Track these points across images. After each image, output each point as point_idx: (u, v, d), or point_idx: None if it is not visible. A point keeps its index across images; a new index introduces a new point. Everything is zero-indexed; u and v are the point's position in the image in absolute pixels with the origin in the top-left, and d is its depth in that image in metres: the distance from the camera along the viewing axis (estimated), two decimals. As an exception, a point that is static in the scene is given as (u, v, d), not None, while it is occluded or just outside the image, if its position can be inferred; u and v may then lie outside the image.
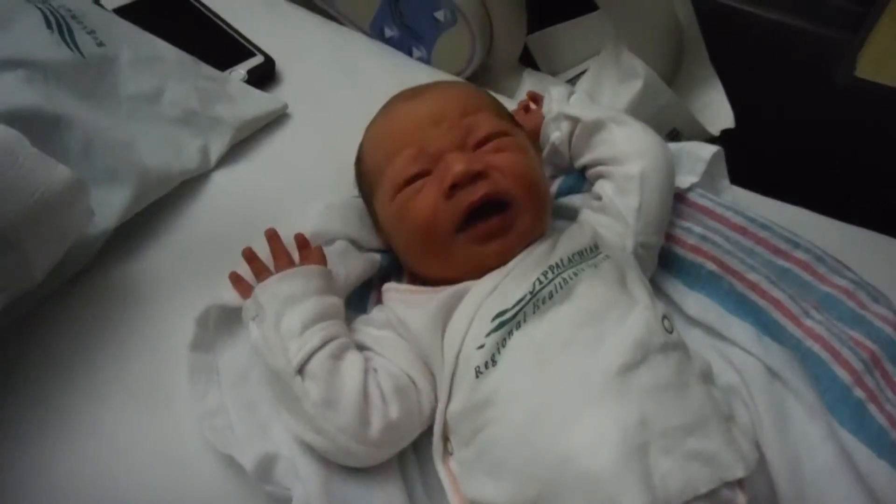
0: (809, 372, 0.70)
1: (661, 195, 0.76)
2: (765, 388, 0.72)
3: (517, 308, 0.64)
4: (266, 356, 0.66)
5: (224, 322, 0.74)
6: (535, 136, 0.84)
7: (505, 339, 0.63)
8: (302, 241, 0.75)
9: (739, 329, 0.76)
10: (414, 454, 0.69)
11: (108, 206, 0.79)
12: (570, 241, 0.72)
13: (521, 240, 0.70)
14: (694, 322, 0.78)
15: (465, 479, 0.64)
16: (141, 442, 0.70)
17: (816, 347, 0.70)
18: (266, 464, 0.65)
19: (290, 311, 0.66)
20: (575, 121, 0.80)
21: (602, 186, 0.78)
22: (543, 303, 0.65)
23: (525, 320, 0.64)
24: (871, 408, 0.68)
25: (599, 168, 0.79)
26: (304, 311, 0.66)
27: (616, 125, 0.78)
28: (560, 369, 0.61)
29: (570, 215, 0.82)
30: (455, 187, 0.68)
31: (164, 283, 0.82)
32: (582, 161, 0.81)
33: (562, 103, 0.84)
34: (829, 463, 0.66)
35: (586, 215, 0.78)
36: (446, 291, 0.68)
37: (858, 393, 0.69)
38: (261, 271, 0.72)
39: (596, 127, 0.79)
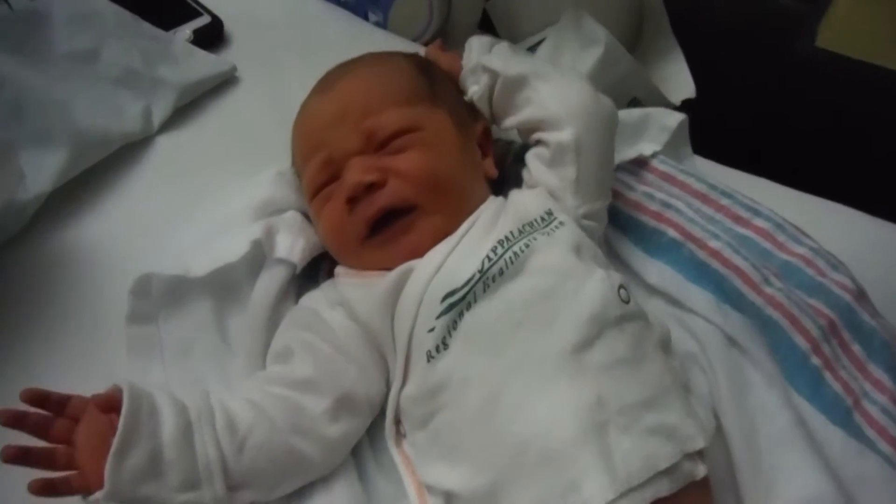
0: (768, 339, 0.70)
1: (600, 157, 0.71)
2: (723, 355, 0.71)
3: (467, 288, 0.61)
4: None
5: (168, 291, 0.71)
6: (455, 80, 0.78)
7: (455, 322, 0.61)
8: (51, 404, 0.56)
9: (699, 297, 0.75)
10: (366, 433, 0.67)
11: (42, 169, 0.75)
12: (521, 208, 0.68)
13: (433, 236, 0.66)
14: (654, 291, 0.77)
15: (419, 463, 0.62)
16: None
17: (776, 315, 0.70)
18: None
19: (162, 473, 0.55)
20: (494, 75, 0.73)
21: (533, 158, 0.72)
22: (494, 280, 0.62)
23: (475, 300, 0.61)
24: (827, 375, 0.69)
25: (531, 133, 0.72)
26: (176, 456, 0.56)
27: (541, 81, 0.71)
28: (513, 351, 0.59)
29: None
30: (353, 200, 0.67)
31: (104, 251, 0.78)
32: (508, 123, 0.74)
33: (481, 54, 0.76)
34: (785, 430, 0.66)
35: (523, 191, 0.73)
36: (392, 275, 0.65)
37: (815, 360, 0.69)
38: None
39: (518, 83, 0.72)
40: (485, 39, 0.78)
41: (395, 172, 0.67)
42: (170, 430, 0.56)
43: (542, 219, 0.67)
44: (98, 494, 0.53)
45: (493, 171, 0.75)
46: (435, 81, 0.75)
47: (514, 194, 0.71)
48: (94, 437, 0.55)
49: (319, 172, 0.70)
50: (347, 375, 0.64)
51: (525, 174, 0.73)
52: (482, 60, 0.74)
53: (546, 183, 0.70)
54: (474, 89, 0.75)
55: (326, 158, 0.70)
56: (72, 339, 0.72)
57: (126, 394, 0.55)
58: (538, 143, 0.71)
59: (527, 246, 0.63)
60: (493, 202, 0.70)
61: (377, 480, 0.65)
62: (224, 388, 0.67)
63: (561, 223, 0.67)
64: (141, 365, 0.68)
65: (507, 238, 0.64)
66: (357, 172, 0.67)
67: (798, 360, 0.68)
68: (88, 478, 0.54)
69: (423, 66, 0.77)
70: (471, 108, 0.77)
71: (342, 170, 0.69)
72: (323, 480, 0.63)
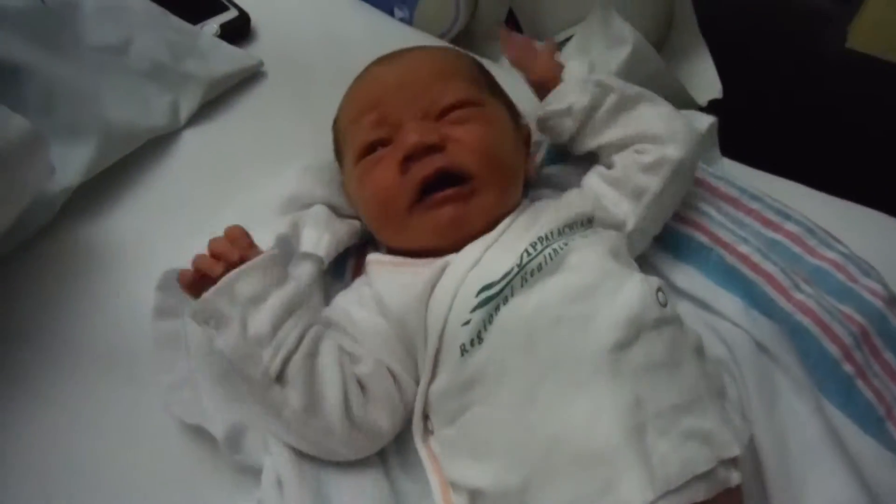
0: (798, 346, 0.69)
1: (681, 189, 0.74)
2: (752, 361, 0.70)
3: (504, 282, 0.61)
4: (236, 365, 0.61)
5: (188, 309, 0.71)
6: (540, 82, 0.79)
7: (491, 316, 0.60)
8: (235, 235, 0.64)
9: (727, 301, 0.74)
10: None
11: (70, 162, 0.76)
12: (561, 210, 0.69)
13: (481, 213, 0.67)
14: (682, 294, 0.76)
15: (446, 459, 0.62)
16: (104, 412, 0.68)
17: (806, 321, 0.69)
18: (236, 434, 0.64)
19: (255, 312, 0.60)
20: (607, 90, 0.73)
21: (630, 161, 0.72)
22: (532, 275, 0.61)
23: (513, 294, 0.61)
24: (859, 383, 0.68)
25: (634, 144, 0.73)
26: (272, 310, 0.60)
27: (654, 105, 0.74)
28: (550, 348, 0.59)
29: (557, 184, 0.80)
30: (409, 160, 0.66)
31: (130, 245, 0.78)
32: (600, 140, 0.74)
33: (582, 68, 0.77)
34: (815, 438, 0.65)
35: (593, 183, 0.74)
36: (429, 269, 0.64)
37: (847, 368, 0.68)
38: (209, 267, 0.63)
39: (633, 101, 0.73)
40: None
41: (454, 140, 0.67)
42: (287, 293, 0.62)
43: (582, 224, 0.68)
44: (206, 294, 0.60)
45: (533, 174, 0.77)
46: (491, 79, 0.77)
47: (561, 198, 0.72)
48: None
49: (371, 131, 0.70)
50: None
51: (608, 170, 0.74)
52: (599, 77, 0.74)
53: (629, 182, 0.71)
54: (581, 100, 0.73)
55: (381, 117, 0.70)
56: (97, 331, 0.72)
57: (278, 243, 0.67)
58: (638, 150, 0.72)
59: (566, 244, 0.64)
60: (531, 204, 0.71)
61: (400, 478, 0.65)
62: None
63: (597, 231, 0.68)
64: (167, 359, 0.68)
65: (546, 236, 0.64)
66: (417, 133, 0.67)
67: (829, 368, 0.68)
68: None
69: (479, 64, 0.79)
70: (518, 111, 0.78)
71: (395, 133, 0.69)
72: (351, 478, 0.62)
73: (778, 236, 0.77)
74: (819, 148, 1.19)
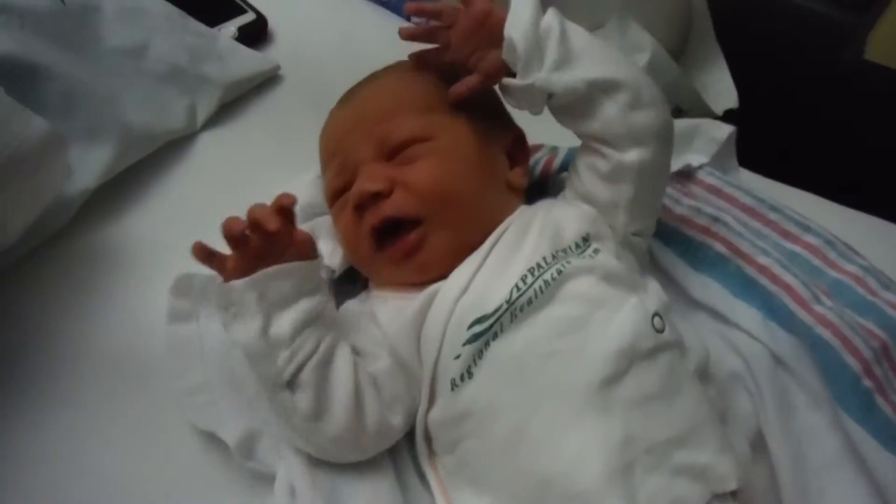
0: (818, 359, 0.68)
1: (657, 182, 0.68)
2: (769, 375, 0.70)
3: (494, 318, 0.60)
4: (251, 360, 0.60)
5: (209, 290, 0.71)
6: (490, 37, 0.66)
7: (482, 351, 0.59)
8: (284, 210, 0.59)
9: (745, 313, 0.73)
10: (406, 450, 0.66)
11: (89, 164, 0.76)
12: (557, 230, 0.65)
13: (441, 254, 0.65)
14: (699, 306, 0.75)
15: (450, 484, 0.62)
16: (117, 415, 0.67)
17: (827, 335, 0.68)
18: (249, 440, 0.63)
19: (280, 315, 0.59)
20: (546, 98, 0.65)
21: (589, 170, 0.67)
22: (521, 310, 0.60)
23: (502, 330, 0.60)
24: (878, 399, 0.67)
25: (590, 142, 0.66)
26: (296, 316, 0.60)
27: (608, 99, 0.63)
28: (540, 383, 0.58)
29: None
30: (361, 208, 0.66)
31: (147, 248, 0.78)
32: (566, 126, 0.67)
33: (529, 51, 0.62)
34: (833, 453, 0.65)
35: (571, 199, 0.69)
36: (418, 299, 0.63)
37: (867, 383, 0.67)
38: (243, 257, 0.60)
39: (583, 102, 0.64)
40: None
41: (402, 183, 0.65)
42: (314, 302, 0.61)
43: (577, 245, 0.64)
44: (236, 282, 0.58)
45: (520, 182, 0.71)
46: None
47: (554, 211, 0.68)
48: (267, 253, 0.59)
49: (335, 179, 0.70)
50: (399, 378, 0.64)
51: (574, 179, 0.69)
52: (536, 81, 0.63)
53: (598, 196, 0.66)
54: (531, 109, 0.67)
55: (341, 164, 0.70)
56: (113, 334, 0.72)
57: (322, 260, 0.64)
58: (592, 151, 0.66)
59: (559, 272, 0.61)
60: (522, 213, 0.67)
61: (416, 487, 0.64)
62: None
63: (596, 250, 0.64)
64: (181, 363, 0.68)
65: (538, 265, 0.62)
66: (364, 180, 0.66)
67: (849, 382, 0.67)
68: (237, 269, 0.59)
69: (445, 79, 0.73)
70: (503, 114, 0.74)
71: (354, 178, 0.68)
72: (367, 487, 0.62)
73: (797, 248, 0.77)
74: (837, 159, 1.18)
